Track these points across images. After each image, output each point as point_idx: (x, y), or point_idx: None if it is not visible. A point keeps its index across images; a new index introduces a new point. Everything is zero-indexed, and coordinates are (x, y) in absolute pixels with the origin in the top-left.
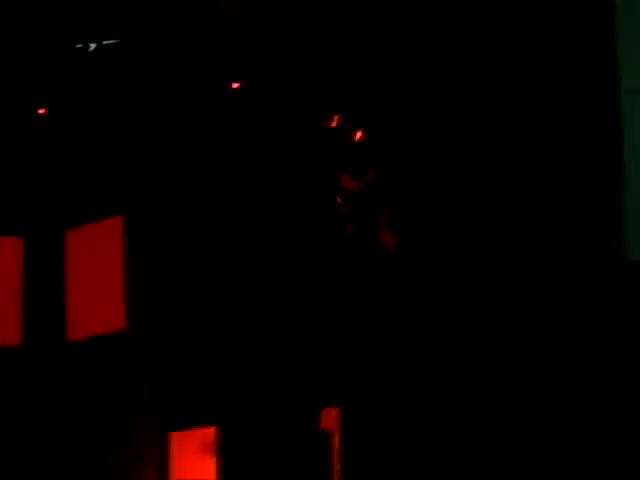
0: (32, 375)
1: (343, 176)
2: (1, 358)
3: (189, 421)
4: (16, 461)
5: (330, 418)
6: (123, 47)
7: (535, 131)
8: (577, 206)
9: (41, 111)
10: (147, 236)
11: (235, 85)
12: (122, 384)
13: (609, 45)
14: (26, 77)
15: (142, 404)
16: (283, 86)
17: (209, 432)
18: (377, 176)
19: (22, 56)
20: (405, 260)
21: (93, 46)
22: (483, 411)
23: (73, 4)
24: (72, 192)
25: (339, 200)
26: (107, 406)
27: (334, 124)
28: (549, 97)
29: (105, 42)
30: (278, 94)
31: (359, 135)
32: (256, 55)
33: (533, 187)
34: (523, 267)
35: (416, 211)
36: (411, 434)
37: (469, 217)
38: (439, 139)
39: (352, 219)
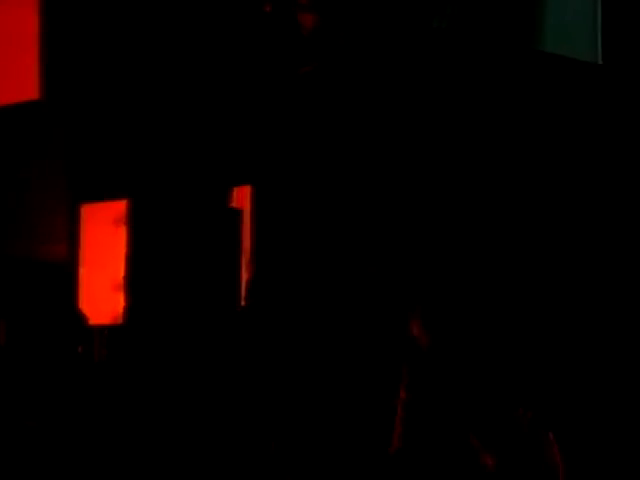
0: None
1: None
2: None
3: (100, 193)
4: None
5: (242, 197)
6: None
7: None
8: None
9: None
10: None
11: None
12: (34, 154)
13: None
14: None
15: (54, 175)
16: None
17: (120, 204)
18: None
19: None
20: (324, 44)
21: None
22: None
23: None
24: None
25: None
26: (18, 177)
27: None
28: None
29: None
30: None
31: None
32: None
33: None
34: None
35: None
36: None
37: None
38: None
39: None
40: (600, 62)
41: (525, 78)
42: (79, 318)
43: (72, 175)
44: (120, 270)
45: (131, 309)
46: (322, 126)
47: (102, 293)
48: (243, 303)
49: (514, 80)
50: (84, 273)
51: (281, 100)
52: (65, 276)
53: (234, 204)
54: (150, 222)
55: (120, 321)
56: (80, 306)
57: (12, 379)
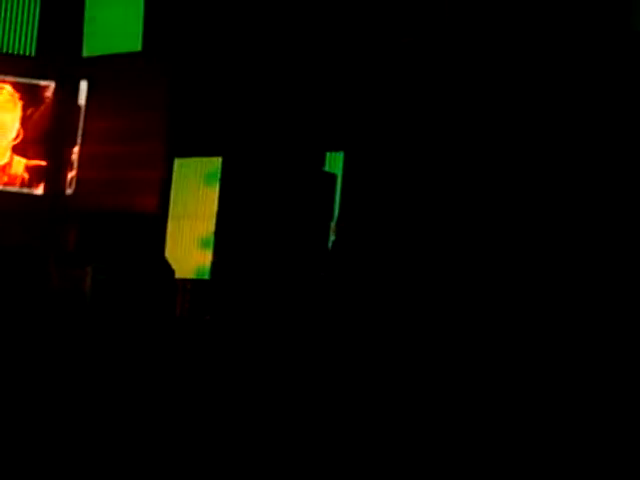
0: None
1: None
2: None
3: (195, 149)
4: None
5: (335, 162)
6: None
7: None
8: None
9: None
10: None
11: None
12: (134, 105)
13: None
14: None
15: (150, 128)
16: None
17: (215, 161)
18: None
19: None
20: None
21: None
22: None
23: None
24: None
25: None
26: (117, 126)
27: None
28: None
29: None
30: None
31: None
32: None
33: None
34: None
35: None
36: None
37: None
38: None
39: None
40: None
41: (621, 59)
42: (165, 269)
43: (169, 129)
44: (208, 226)
45: (218, 265)
46: (416, 93)
47: (189, 247)
48: (326, 269)
49: (609, 61)
50: (173, 226)
51: (380, 67)
52: (154, 228)
53: (327, 169)
54: (243, 181)
55: (205, 276)
56: (167, 258)
57: (96, 324)
